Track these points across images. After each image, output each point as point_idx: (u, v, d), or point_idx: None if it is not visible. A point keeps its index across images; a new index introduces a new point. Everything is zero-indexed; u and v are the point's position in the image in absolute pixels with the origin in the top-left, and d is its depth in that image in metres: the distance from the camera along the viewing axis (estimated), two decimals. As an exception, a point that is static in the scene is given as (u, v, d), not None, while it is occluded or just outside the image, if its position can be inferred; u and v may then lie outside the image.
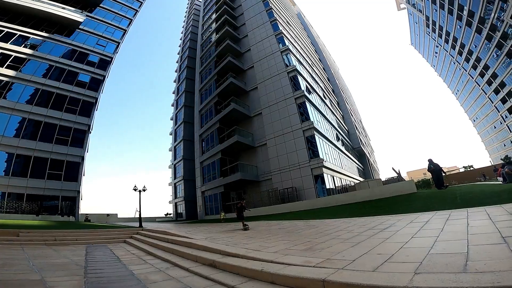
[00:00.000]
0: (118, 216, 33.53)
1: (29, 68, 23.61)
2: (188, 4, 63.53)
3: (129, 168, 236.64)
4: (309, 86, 25.17)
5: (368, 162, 44.17)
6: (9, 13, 25.17)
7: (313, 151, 19.55)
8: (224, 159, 24.49)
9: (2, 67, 22.11)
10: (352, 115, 45.17)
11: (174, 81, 48.56)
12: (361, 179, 30.64)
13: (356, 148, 39.59)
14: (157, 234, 9.73)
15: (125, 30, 32.92)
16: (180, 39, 54.37)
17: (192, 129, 34.00)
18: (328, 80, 45.85)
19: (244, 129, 24.49)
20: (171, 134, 42.92)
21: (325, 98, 31.97)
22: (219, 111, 26.54)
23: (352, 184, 24.84)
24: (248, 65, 27.77)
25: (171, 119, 44.75)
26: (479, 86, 46.12)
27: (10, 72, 22.22)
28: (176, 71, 49.56)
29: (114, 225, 16.36)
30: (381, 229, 5.15)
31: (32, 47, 24.69)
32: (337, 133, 30.04)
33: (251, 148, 23.48)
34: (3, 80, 21.72)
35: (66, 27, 27.86)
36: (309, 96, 23.22)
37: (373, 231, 5.06)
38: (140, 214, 14.70)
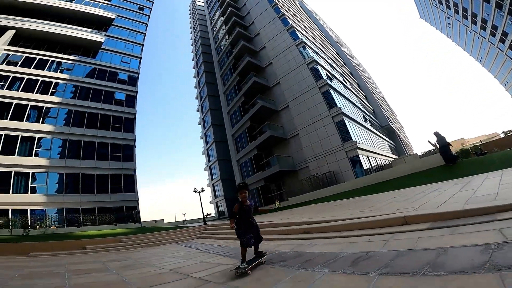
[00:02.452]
0: (165, 221, 36.43)
1: (70, 92, 26.22)
2: (190, 11, 65.27)
3: (156, 175, 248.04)
4: (329, 74, 26.09)
5: (399, 139, 43.98)
6: (34, 41, 27.50)
7: (344, 135, 20.57)
8: (260, 154, 26.17)
9: (47, 94, 24.64)
10: (374, 94, 45.04)
11: (195, 87, 50.96)
12: (395, 157, 30.97)
13: (384, 126, 39.68)
14: (228, 226, 11.52)
15: (142, 45, 35.36)
16: (191, 45, 56.47)
17: (221, 130, 36.05)
18: (344, 64, 46.03)
19: (274, 123, 25.95)
20: (201, 138, 45.39)
21: (346, 82, 32.55)
22: (247, 110, 28.20)
23: (387, 162, 25.47)
24: (266, 62, 29.05)
25: (199, 123, 47.18)
26: (503, 52, 43.53)
27: (56, 99, 24.85)
28: (194, 77, 51.91)
29: (176, 226, 18.62)
30: (429, 191, 6.40)
31: (66, 71, 27.08)
32: (364, 114, 30.59)
33: (283, 140, 24.93)
34: (51, 107, 24.35)
35: (89, 49, 30.31)
36: (332, 84, 24.16)
37: (423, 194, 6.32)
38: (203, 214, 16.75)
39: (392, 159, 26.89)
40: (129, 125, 28.37)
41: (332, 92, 22.77)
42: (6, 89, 23.10)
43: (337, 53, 48.01)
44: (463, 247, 2.14)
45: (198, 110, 47.89)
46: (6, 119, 21.91)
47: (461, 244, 2.25)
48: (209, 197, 41.67)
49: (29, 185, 20.81)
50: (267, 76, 28.67)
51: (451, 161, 10.84)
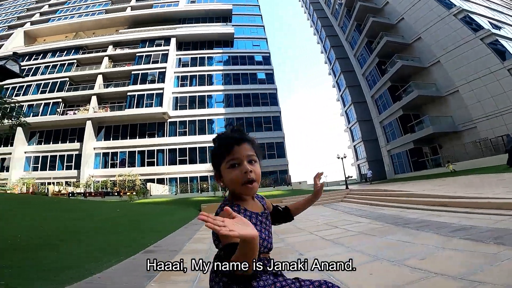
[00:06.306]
0: (307, 183, 40.11)
1: (226, 79, 33.10)
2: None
3: (298, 139, 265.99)
4: (493, 21, 20.37)
5: None
6: (189, 44, 35.11)
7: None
8: (407, 115, 24.13)
9: (212, 85, 32.42)
10: None
11: (321, 52, 50.73)
12: None
13: None
14: (370, 192, 12.76)
15: (263, 26, 38.41)
16: (304, 13, 55.78)
17: (356, 91, 34.95)
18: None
19: (421, 81, 23.09)
20: (338, 100, 45.56)
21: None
22: (384, 70, 26.34)
23: None
24: (396, 18, 25.74)
25: (333, 86, 47.25)
26: None
27: (220, 87, 32.33)
28: (318, 43, 51.40)
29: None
30: None
31: (218, 63, 34.01)
32: None
33: (437, 98, 21.75)
34: (217, 94, 32.09)
35: (227, 40, 35.87)
36: (500, 32, 19.04)
37: None
38: (345, 179, 18.43)
39: None
40: (273, 98, 33.12)
41: (503, 41, 17.91)
42: (188, 86, 32.60)
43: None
44: None
45: (329, 74, 47.74)
46: (195, 108, 31.59)
47: None
48: (351, 159, 41.94)
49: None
50: (401, 32, 25.45)
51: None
